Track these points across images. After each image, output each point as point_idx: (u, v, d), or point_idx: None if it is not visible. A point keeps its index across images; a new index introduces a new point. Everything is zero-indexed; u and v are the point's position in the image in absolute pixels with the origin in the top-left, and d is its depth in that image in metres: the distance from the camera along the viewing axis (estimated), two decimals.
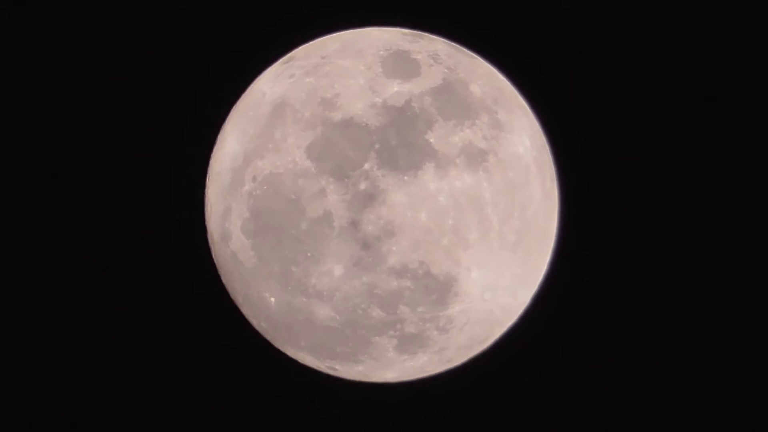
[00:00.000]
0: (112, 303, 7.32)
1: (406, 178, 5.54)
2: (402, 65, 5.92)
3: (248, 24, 7.30)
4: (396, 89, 5.76)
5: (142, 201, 7.32)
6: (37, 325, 7.31)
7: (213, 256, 6.48)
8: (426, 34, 6.36)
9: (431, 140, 5.62)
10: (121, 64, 7.33)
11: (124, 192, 7.31)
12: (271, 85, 6.16)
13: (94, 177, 7.32)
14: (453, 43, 6.38)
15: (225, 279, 6.46)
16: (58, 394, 7.31)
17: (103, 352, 7.32)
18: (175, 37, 7.33)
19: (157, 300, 7.31)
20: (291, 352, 6.43)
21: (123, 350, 7.32)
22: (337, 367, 6.28)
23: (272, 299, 5.97)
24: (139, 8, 7.36)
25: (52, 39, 7.34)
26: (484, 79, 6.15)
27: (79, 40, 7.33)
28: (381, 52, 5.97)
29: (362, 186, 5.54)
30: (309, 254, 5.67)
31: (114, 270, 7.33)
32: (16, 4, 7.27)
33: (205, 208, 6.43)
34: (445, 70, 5.96)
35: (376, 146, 5.57)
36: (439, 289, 5.72)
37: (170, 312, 7.30)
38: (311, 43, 6.42)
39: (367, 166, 5.55)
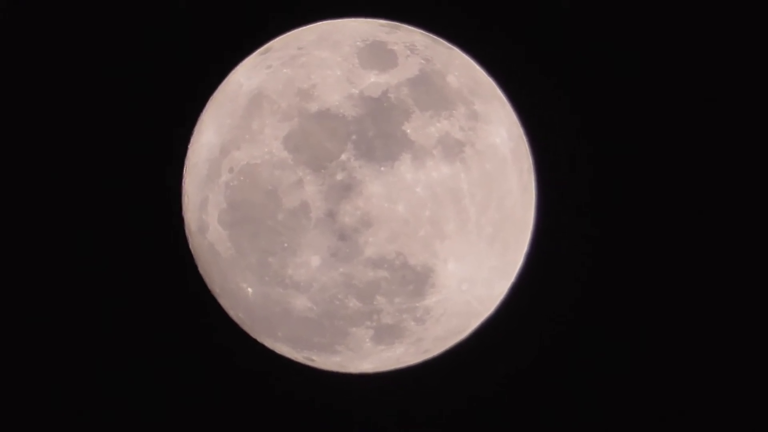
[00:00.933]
0: (109, 301, 7.32)
1: (383, 169, 5.55)
2: (379, 56, 5.91)
3: (224, 15, 7.30)
4: (373, 80, 5.76)
5: (119, 194, 7.31)
6: (37, 324, 7.30)
7: (190, 247, 6.47)
8: (403, 25, 6.36)
9: (408, 131, 5.62)
10: (96, 56, 7.32)
11: (117, 190, 7.30)
12: (248, 76, 6.15)
13: (90, 176, 7.30)
14: (430, 35, 6.38)
15: (202, 270, 6.46)
16: (58, 394, 7.29)
17: (101, 350, 7.32)
18: (151, 28, 7.32)
19: (135, 291, 7.30)
20: (268, 343, 6.42)
21: (121, 349, 7.31)
22: (314, 357, 6.28)
23: (249, 290, 5.97)
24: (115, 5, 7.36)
25: (52, 38, 7.32)
26: (460, 70, 6.15)
27: (78, 40, 7.32)
28: (358, 43, 5.97)
29: (339, 177, 5.54)
30: (286, 245, 5.67)
31: (112, 268, 7.32)
32: (16, 4, 7.24)
33: (183, 199, 6.41)
34: (422, 61, 5.96)
35: (353, 137, 5.57)
36: (416, 280, 5.72)
37: (147, 302, 7.30)
38: (288, 34, 6.41)
39: (344, 157, 5.55)
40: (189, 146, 6.44)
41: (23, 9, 7.27)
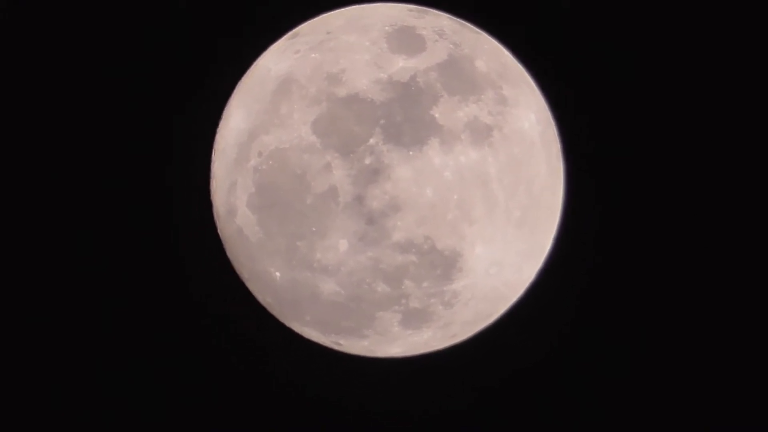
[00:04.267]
0: (137, 285, 7.35)
1: (411, 153, 5.55)
2: (407, 41, 5.91)
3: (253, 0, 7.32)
4: (401, 65, 5.76)
5: (149, 179, 7.34)
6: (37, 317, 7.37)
7: (218, 231, 6.50)
8: (431, 9, 6.36)
9: (436, 115, 5.63)
10: (128, 41, 7.34)
11: (147, 175, 7.34)
12: (276, 60, 6.17)
13: (121, 161, 7.34)
14: (458, 19, 6.38)
15: (230, 254, 6.48)
16: (59, 389, 7.35)
17: (127, 334, 7.36)
18: (179, 13, 7.33)
19: (164, 274, 7.34)
20: (296, 327, 6.45)
21: (149, 332, 7.35)
22: (341, 342, 6.31)
23: (277, 274, 5.99)
24: None
25: (53, 28, 7.36)
26: (489, 54, 6.15)
27: (79, 30, 7.34)
28: (386, 28, 5.97)
29: (367, 161, 5.55)
30: (314, 229, 5.68)
31: (141, 252, 7.35)
32: (16, 4, 7.26)
33: (211, 184, 6.44)
34: (451, 46, 5.96)
35: (382, 121, 5.58)
36: (443, 264, 5.73)
37: (176, 285, 7.34)
38: (316, 18, 6.41)
39: (372, 141, 5.56)
40: (218, 131, 6.46)
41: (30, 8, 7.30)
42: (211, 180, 6.44)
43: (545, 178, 6.10)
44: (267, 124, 5.87)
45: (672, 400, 7.32)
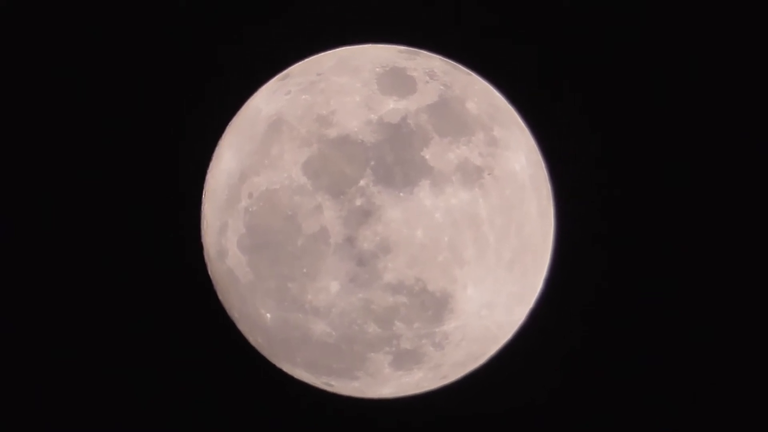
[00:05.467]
0: (128, 326, 7.32)
1: (401, 194, 5.55)
2: (398, 82, 5.92)
3: (244, 40, 7.33)
4: (392, 106, 5.76)
5: (138, 219, 7.32)
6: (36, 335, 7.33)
7: (209, 272, 6.48)
8: (422, 51, 6.38)
9: (427, 157, 5.63)
10: (119, 81, 7.34)
11: (135, 217, 7.32)
12: (267, 101, 6.17)
13: (110, 200, 7.32)
14: (449, 61, 6.40)
15: (221, 295, 6.46)
16: (56, 398, 7.30)
17: (119, 374, 7.32)
18: (170, 54, 7.35)
19: (155, 316, 7.31)
20: (287, 368, 6.42)
21: (139, 373, 7.31)
22: (332, 383, 6.28)
23: (268, 315, 5.97)
24: (133, 18, 7.38)
25: (51, 40, 7.36)
26: (480, 96, 6.16)
27: (77, 49, 7.35)
28: (377, 69, 5.98)
29: (358, 202, 5.54)
30: (305, 270, 5.67)
31: (130, 293, 7.31)
32: (16, 4, 7.27)
33: (201, 225, 6.43)
34: (441, 87, 5.97)
35: (372, 163, 5.58)
36: (434, 306, 5.71)
37: (167, 327, 7.31)
38: (307, 60, 6.43)
39: (362, 182, 5.55)
40: (208, 171, 6.46)
41: (26, 10, 7.30)
42: (202, 221, 6.43)
43: (535, 220, 6.11)
44: (257, 165, 5.86)
45: None
